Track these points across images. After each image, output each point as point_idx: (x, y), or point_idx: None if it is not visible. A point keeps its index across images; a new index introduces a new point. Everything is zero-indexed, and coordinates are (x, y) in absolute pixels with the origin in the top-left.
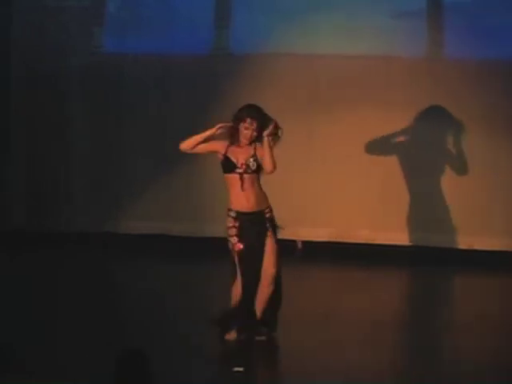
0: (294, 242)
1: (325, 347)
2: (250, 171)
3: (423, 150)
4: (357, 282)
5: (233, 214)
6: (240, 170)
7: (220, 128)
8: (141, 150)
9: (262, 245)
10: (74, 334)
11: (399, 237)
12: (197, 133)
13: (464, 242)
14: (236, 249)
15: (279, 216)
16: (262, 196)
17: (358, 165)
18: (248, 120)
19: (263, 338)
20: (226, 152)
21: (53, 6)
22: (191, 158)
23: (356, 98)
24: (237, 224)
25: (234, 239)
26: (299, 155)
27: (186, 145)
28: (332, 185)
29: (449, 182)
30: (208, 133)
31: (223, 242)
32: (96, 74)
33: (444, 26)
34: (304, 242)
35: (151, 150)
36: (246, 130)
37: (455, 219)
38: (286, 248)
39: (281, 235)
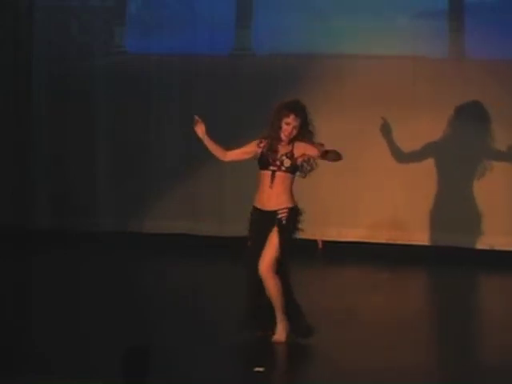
0: (314, 241)
1: (349, 347)
2: (283, 169)
3: (447, 150)
4: (382, 282)
5: (252, 210)
6: (273, 168)
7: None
8: (164, 149)
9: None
10: (93, 333)
11: (424, 237)
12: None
13: (487, 243)
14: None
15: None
16: (285, 197)
17: (384, 165)
18: (292, 115)
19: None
20: (262, 150)
21: (76, 5)
22: (215, 157)
23: (381, 97)
24: (251, 220)
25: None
26: None
27: (229, 158)
28: (358, 185)
29: (474, 182)
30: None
31: (246, 241)
32: (118, 74)
33: (467, 26)
34: (328, 242)
35: (174, 150)
36: (287, 125)
37: (479, 220)
38: (308, 247)
39: (306, 235)
